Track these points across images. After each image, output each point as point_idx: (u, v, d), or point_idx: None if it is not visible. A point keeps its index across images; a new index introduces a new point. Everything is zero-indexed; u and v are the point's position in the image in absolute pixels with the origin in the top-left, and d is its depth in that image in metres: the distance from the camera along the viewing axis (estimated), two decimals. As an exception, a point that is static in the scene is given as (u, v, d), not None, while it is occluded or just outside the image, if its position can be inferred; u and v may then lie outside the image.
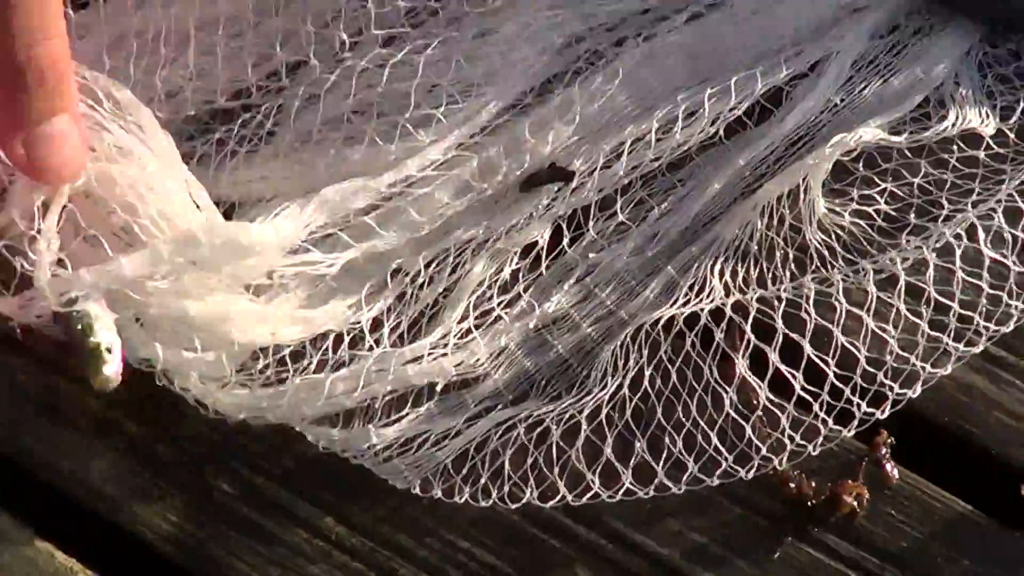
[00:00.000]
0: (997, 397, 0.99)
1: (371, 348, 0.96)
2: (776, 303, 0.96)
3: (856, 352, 0.95)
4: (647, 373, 0.96)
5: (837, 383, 0.94)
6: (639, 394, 0.95)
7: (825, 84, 1.05)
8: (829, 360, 0.95)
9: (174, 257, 0.86)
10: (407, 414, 0.95)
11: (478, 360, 0.97)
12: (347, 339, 0.97)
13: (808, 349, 0.95)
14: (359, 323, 0.97)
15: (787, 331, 0.95)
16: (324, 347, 0.96)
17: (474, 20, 1.04)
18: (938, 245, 0.98)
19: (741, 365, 0.95)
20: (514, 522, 0.94)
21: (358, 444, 0.93)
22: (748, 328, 0.95)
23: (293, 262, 0.94)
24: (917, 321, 0.97)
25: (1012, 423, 0.98)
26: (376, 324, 0.98)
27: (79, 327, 0.85)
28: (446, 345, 0.97)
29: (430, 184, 0.98)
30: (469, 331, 0.98)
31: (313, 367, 0.95)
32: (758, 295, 0.97)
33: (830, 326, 0.96)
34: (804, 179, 1.01)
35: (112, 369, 0.86)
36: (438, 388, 0.96)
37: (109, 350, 0.85)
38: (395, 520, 0.94)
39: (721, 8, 1.07)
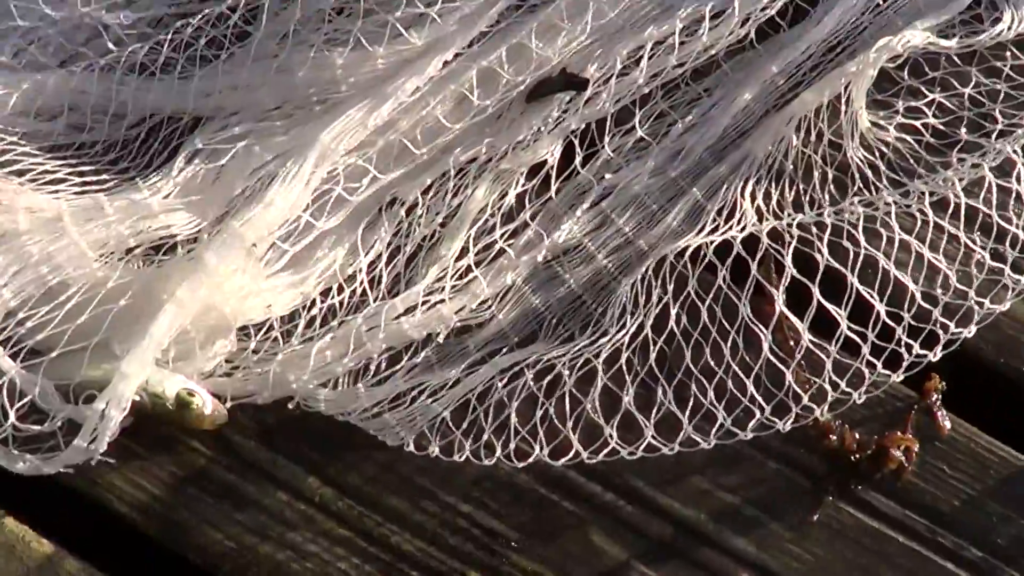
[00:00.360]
0: (1060, 337, 0.91)
1: (363, 295, 0.90)
2: (815, 229, 0.89)
3: (906, 286, 0.87)
4: (672, 311, 0.88)
5: (888, 321, 0.86)
6: (663, 335, 0.88)
7: (866, -21, 0.97)
8: (875, 295, 0.87)
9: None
10: (402, 367, 0.87)
11: (483, 303, 0.90)
12: (347, 291, 0.90)
13: (854, 282, 0.87)
14: (356, 273, 0.91)
15: (831, 261, 0.87)
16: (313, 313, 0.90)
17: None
18: (994, 164, 0.90)
19: (779, 301, 0.87)
20: (521, 482, 0.87)
21: (346, 406, 0.86)
22: (788, 258, 0.87)
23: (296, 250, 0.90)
24: (972, 250, 0.90)
25: (1077, 367, 0.91)
26: (371, 266, 0.91)
27: (151, 403, 0.84)
28: (443, 289, 0.89)
29: (425, 106, 0.92)
30: (469, 269, 0.90)
31: (300, 330, 0.89)
32: (796, 220, 0.89)
33: (877, 254, 0.88)
34: (846, 89, 0.93)
35: (209, 406, 0.85)
36: (439, 339, 0.88)
37: (190, 393, 0.84)
38: (387, 481, 0.86)
39: None
